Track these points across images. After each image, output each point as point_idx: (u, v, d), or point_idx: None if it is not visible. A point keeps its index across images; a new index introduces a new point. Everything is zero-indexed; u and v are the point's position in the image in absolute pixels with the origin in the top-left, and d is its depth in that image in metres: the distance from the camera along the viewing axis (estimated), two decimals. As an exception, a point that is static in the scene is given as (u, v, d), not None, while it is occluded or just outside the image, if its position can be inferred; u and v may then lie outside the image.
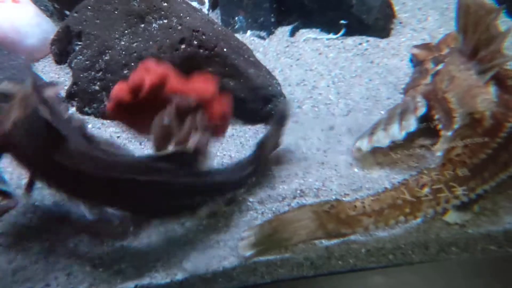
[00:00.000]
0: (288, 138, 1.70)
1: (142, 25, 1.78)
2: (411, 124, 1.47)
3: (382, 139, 1.49)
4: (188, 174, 1.22)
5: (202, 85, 1.24)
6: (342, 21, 2.26)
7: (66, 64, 1.99)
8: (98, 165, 1.15)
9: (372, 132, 1.53)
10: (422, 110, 1.51)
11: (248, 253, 1.24)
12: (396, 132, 1.47)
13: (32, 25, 2.00)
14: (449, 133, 1.35)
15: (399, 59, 2.13)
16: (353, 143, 1.66)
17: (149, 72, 1.18)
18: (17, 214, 1.32)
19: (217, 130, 1.31)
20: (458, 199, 1.24)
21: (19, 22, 1.96)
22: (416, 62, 1.86)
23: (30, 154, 1.23)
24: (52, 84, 1.55)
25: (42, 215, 1.31)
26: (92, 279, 1.18)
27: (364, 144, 1.52)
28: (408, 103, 1.56)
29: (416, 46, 1.91)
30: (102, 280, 1.18)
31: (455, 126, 1.35)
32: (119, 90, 1.17)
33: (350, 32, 2.29)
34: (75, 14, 1.89)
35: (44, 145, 1.19)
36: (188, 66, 1.74)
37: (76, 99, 1.83)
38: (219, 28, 1.83)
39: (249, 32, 2.36)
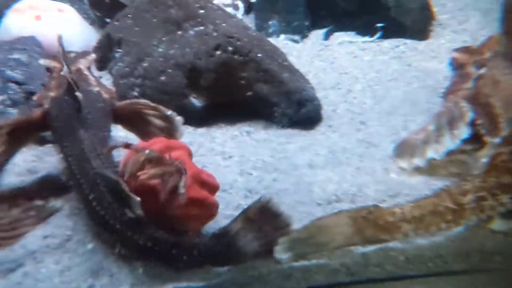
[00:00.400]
0: (323, 143, 1.70)
1: (179, 32, 1.82)
2: (463, 131, 1.46)
3: (436, 152, 1.48)
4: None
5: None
6: (378, 24, 2.23)
7: (107, 71, 2.06)
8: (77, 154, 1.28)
9: (424, 145, 1.53)
10: (469, 116, 1.48)
11: (284, 256, 1.24)
12: (449, 142, 1.47)
13: (75, 34, 2.09)
14: (496, 139, 1.32)
15: (438, 62, 2.08)
16: (393, 149, 1.63)
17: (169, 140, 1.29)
18: (63, 216, 1.37)
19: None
20: (504, 206, 1.21)
21: (63, 31, 2.03)
22: (456, 66, 1.81)
23: (62, 127, 1.37)
24: (85, 53, 1.64)
25: (86, 217, 1.36)
26: (133, 281, 1.21)
27: (420, 162, 1.52)
28: (453, 110, 1.53)
29: (456, 50, 1.86)
30: (142, 282, 1.20)
31: (502, 131, 1.31)
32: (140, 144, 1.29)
33: (387, 34, 2.26)
34: (116, 22, 1.96)
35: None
36: (222, 72, 1.77)
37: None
38: (254, 34, 1.85)
39: (282, 36, 2.37)
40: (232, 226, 1.14)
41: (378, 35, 2.27)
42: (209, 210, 1.25)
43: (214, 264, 1.18)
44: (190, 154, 1.30)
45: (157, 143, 1.26)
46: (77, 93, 1.34)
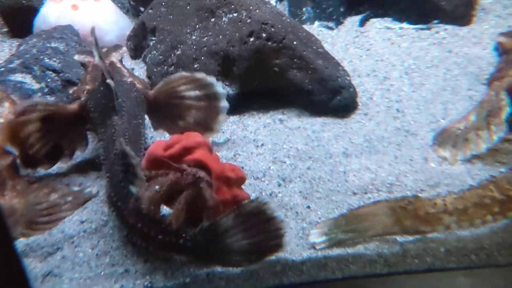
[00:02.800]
0: (358, 131, 1.65)
1: (213, 20, 1.80)
2: (500, 129, 1.42)
3: (478, 149, 1.45)
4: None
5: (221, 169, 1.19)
6: (435, 21, 2.14)
7: (141, 59, 2.07)
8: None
9: (465, 136, 1.48)
10: (506, 111, 1.43)
11: (319, 240, 1.22)
12: (488, 139, 1.43)
13: (110, 22, 2.11)
14: None
15: (481, 48, 1.99)
16: (432, 137, 1.58)
17: (187, 138, 1.24)
18: (99, 202, 1.40)
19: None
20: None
21: (99, 20, 2.07)
22: (502, 51, 1.72)
23: (98, 116, 1.41)
24: (116, 46, 1.66)
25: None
26: (168, 266, 1.21)
27: (461, 155, 1.48)
28: (493, 102, 1.46)
29: (503, 34, 1.77)
30: (176, 268, 1.21)
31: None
32: (157, 145, 1.27)
33: (426, 20, 2.17)
34: (150, 11, 1.96)
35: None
36: (256, 59, 1.75)
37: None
38: (288, 20, 1.81)
39: (316, 23, 2.32)
40: (222, 222, 1.10)
41: (435, 22, 2.17)
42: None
43: (199, 258, 1.16)
44: (210, 149, 1.26)
45: (175, 145, 1.23)
46: (109, 81, 1.35)
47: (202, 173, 1.17)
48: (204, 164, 1.20)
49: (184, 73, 1.51)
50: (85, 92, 1.48)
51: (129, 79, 1.52)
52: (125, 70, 1.57)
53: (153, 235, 1.15)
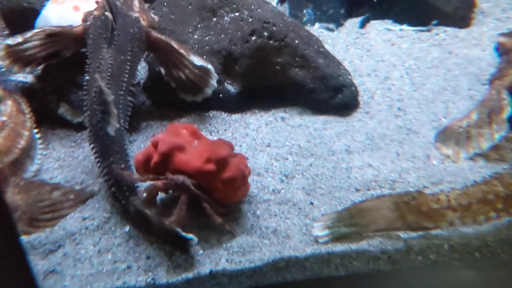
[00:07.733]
0: (360, 129, 1.65)
1: (215, 19, 1.81)
2: (502, 128, 1.44)
3: (479, 146, 1.46)
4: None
5: (202, 164, 1.25)
6: (433, 22, 2.16)
7: (143, 59, 2.06)
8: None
9: (467, 134, 1.49)
10: (508, 110, 1.45)
11: (322, 233, 1.22)
12: (489, 138, 1.44)
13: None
14: None
15: (481, 50, 2.00)
16: (434, 135, 1.58)
17: (160, 146, 1.29)
18: (101, 199, 1.39)
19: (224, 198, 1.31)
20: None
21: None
22: (502, 51, 1.73)
23: (92, 44, 1.50)
24: None
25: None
26: (170, 263, 1.21)
27: (463, 153, 1.49)
28: (494, 101, 1.48)
29: (503, 34, 1.79)
30: (178, 265, 1.20)
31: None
32: (136, 162, 1.34)
33: (426, 22, 2.18)
34: (152, 11, 1.96)
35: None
36: (258, 57, 1.75)
37: (152, 91, 1.89)
38: (289, 20, 1.82)
39: (317, 25, 2.33)
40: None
41: (433, 23, 2.19)
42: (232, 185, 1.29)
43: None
44: (180, 147, 1.28)
45: (160, 141, 1.28)
46: (107, 13, 1.43)
47: (187, 181, 1.24)
48: (182, 171, 1.25)
49: (178, 48, 1.62)
50: (91, 17, 1.55)
51: (135, 14, 1.57)
52: (137, 5, 1.63)
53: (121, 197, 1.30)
